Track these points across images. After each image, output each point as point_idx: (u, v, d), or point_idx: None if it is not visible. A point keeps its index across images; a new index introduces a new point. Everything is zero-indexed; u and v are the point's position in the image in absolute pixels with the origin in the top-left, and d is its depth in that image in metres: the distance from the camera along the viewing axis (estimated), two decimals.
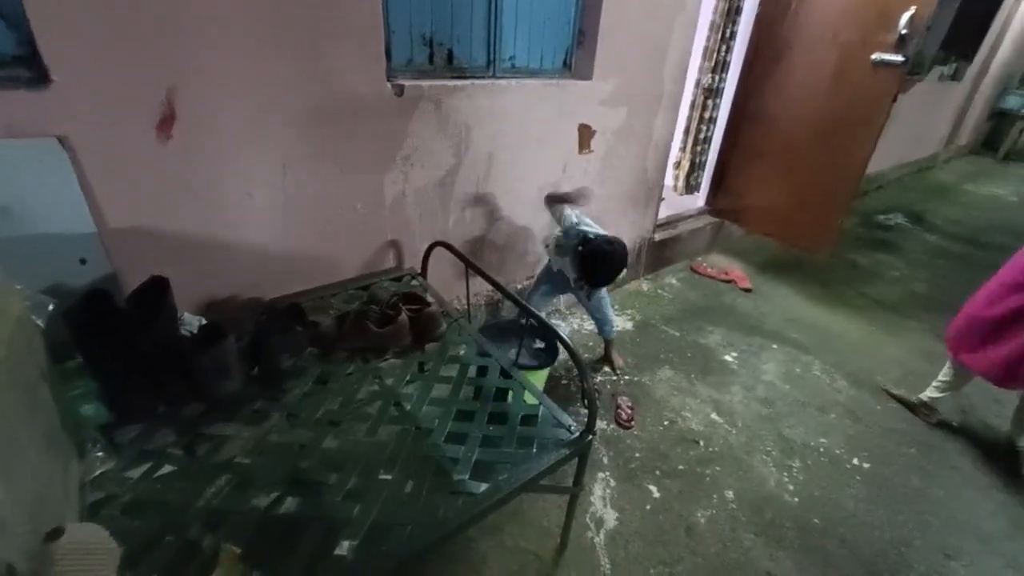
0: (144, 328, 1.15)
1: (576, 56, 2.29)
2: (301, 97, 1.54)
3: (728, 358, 2.61)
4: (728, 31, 3.17)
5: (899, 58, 2.47)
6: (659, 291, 3.20)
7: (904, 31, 2.42)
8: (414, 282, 1.91)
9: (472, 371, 1.52)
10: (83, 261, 1.32)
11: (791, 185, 3.10)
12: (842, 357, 2.68)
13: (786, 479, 1.94)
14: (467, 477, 1.18)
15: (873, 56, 2.55)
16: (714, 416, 2.21)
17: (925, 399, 2.26)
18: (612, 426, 2.10)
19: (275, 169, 1.58)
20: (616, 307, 2.87)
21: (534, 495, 1.69)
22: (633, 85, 2.48)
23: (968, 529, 1.80)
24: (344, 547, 1.00)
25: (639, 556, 1.62)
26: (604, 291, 2.25)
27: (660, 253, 3.34)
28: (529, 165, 2.28)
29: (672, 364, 2.52)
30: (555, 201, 2.14)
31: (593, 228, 1.94)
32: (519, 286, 2.59)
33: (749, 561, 1.63)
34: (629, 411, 2.14)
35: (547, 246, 2.19)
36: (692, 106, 3.48)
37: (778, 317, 3.02)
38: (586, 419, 1.32)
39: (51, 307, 1.10)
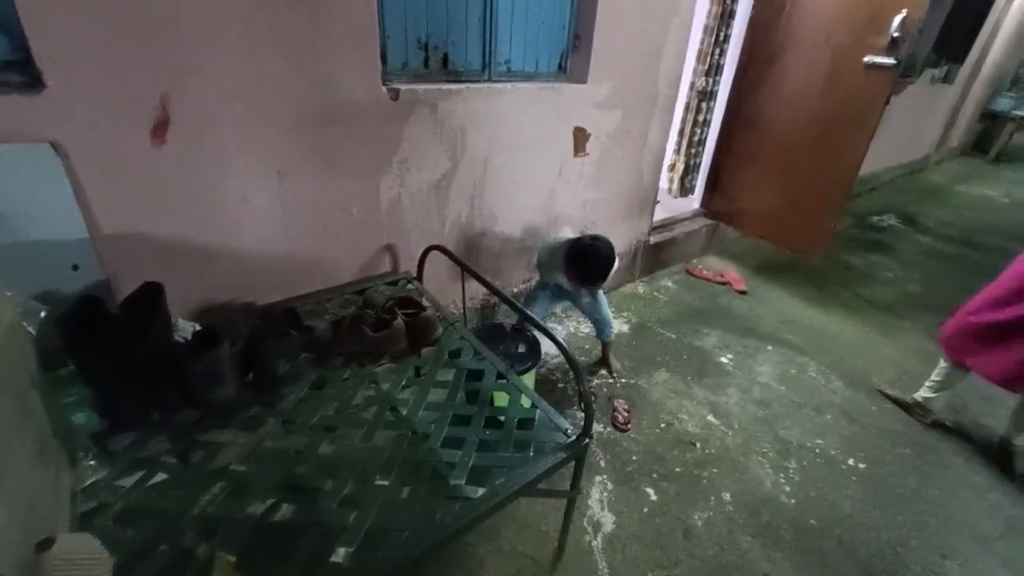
0: (137, 334, 1.14)
1: (571, 59, 2.30)
2: (296, 101, 1.54)
3: (724, 360, 2.61)
4: (722, 34, 3.18)
5: (891, 61, 2.49)
6: (655, 293, 3.21)
7: (896, 34, 2.44)
8: (410, 286, 1.91)
9: (468, 375, 1.52)
10: (75, 267, 1.30)
11: (785, 187, 3.12)
12: (837, 358, 2.69)
13: (782, 480, 1.94)
14: (464, 482, 1.18)
15: (865, 59, 2.57)
16: (710, 418, 2.22)
17: (919, 399, 2.27)
18: (609, 429, 2.10)
19: (270, 173, 1.58)
20: (612, 310, 2.87)
21: (531, 499, 1.68)
22: (628, 88, 2.49)
23: (964, 529, 1.81)
24: (340, 554, 0.99)
25: (637, 559, 1.62)
26: (601, 293, 2.25)
27: (656, 256, 3.35)
28: (525, 168, 2.28)
29: (668, 366, 2.53)
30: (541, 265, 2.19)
31: (571, 234, 1.95)
32: (515, 290, 2.59)
33: (747, 563, 1.63)
34: (626, 414, 2.14)
35: (538, 264, 2.21)
36: (686, 109, 3.49)
37: (773, 319, 3.03)
38: (583, 422, 1.32)
39: (43, 314, 1.09)
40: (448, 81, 1.93)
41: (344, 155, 1.71)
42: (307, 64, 1.51)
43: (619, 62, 2.37)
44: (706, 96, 3.39)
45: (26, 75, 1.16)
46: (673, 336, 2.78)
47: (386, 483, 1.15)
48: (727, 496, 1.85)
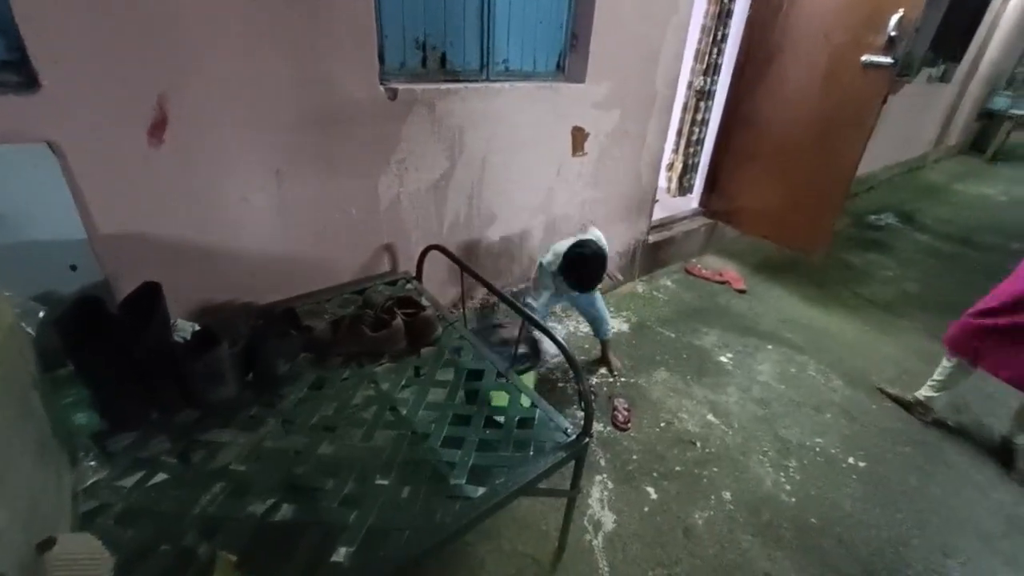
0: (136, 335, 1.14)
1: (569, 59, 2.30)
2: (295, 101, 1.53)
3: (723, 359, 2.61)
4: (720, 34, 3.19)
5: (888, 60, 2.50)
6: (654, 293, 3.21)
7: (893, 33, 2.44)
8: (409, 286, 1.91)
9: (468, 375, 1.52)
10: (74, 268, 1.30)
11: (784, 186, 3.12)
12: (837, 357, 2.70)
13: (783, 479, 1.94)
14: (464, 481, 1.18)
15: (863, 58, 2.57)
16: (710, 417, 2.22)
17: (921, 398, 2.27)
18: (609, 428, 2.10)
19: (269, 173, 1.58)
20: (611, 309, 2.88)
21: (531, 498, 1.68)
22: (626, 88, 2.49)
23: (966, 527, 1.81)
24: (341, 553, 0.99)
25: (637, 558, 1.62)
26: (597, 292, 2.25)
27: (655, 255, 3.35)
28: (523, 168, 2.28)
29: (668, 366, 2.53)
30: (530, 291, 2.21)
31: (562, 245, 1.97)
32: (514, 289, 2.59)
33: (747, 562, 1.63)
34: (626, 413, 2.14)
35: (537, 278, 2.21)
36: (684, 108, 3.49)
37: (773, 318, 3.03)
38: (583, 421, 1.32)
39: (41, 314, 1.09)
40: (446, 81, 1.93)
41: (343, 155, 1.71)
42: (305, 64, 1.51)
43: (617, 62, 2.37)
44: (704, 95, 3.39)
45: (22, 75, 1.15)
46: (672, 335, 2.78)
47: (386, 483, 1.15)
48: (727, 495, 1.85)
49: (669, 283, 3.35)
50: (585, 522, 1.71)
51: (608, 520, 1.72)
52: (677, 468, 1.95)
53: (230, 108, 1.43)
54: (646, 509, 1.77)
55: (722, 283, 3.37)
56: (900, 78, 4.53)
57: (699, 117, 3.48)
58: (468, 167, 2.08)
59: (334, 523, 1.05)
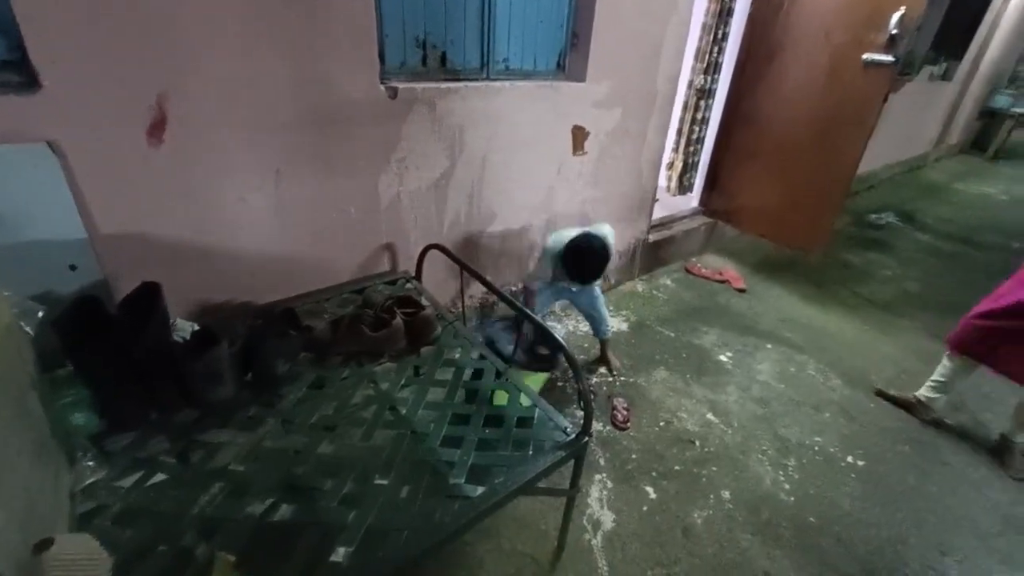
0: (136, 334, 1.14)
1: (570, 58, 2.30)
2: (294, 100, 1.53)
3: (723, 358, 2.61)
4: (720, 32, 3.18)
5: (889, 58, 2.49)
6: (654, 292, 3.21)
7: (894, 31, 2.44)
8: (409, 285, 1.91)
9: (467, 374, 1.52)
10: (73, 267, 1.30)
11: (784, 185, 3.12)
12: (836, 356, 2.70)
13: (782, 478, 1.94)
14: (463, 481, 1.18)
15: (864, 56, 2.57)
16: (710, 416, 2.22)
17: (921, 398, 2.26)
18: (608, 427, 2.10)
19: (268, 173, 1.58)
20: (611, 308, 2.88)
21: (531, 498, 1.68)
22: (626, 86, 2.49)
23: (963, 525, 1.81)
24: (340, 553, 0.99)
25: (636, 557, 1.62)
26: (598, 290, 2.25)
27: (654, 254, 3.35)
28: (523, 167, 2.28)
29: (667, 365, 2.53)
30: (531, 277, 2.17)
31: (566, 233, 1.96)
32: (514, 288, 2.59)
33: (746, 561, 1.64)
34: (625, 412, 2.14)
35: (540, 261, 2.22)
36: (685, 107, 3.49)
37: (772, 317, 3.03)
38: (582, 421, 1.32)
39: (40, 314, 1.09)
40: (446, 80, 1.93)
41: (342, 154, 1.71)
42: (305, 63, 1.51)
43: (617, 60, 2.37)
44: (705, 94, 3.38)
45: (22, 75, 1.15)
46: (672, 334, 2.78)
47: (385, 482, 1.15)
48: (726, 494, 1.86)
49: (669, 282, 3.35)
50: (584, 521, 1.71)
51: (607, 519, 1.73)
52: (676, 467, 1.95)
53: (229, 108, 1.43)
54: (645, 508, 1.78)
55: (722, 282, 3.37)
56: (901, 76, 4.52)
57: (699, 116, 3.47)
58: (468, 166, 2.08)
59: (333, 523, 1.05)
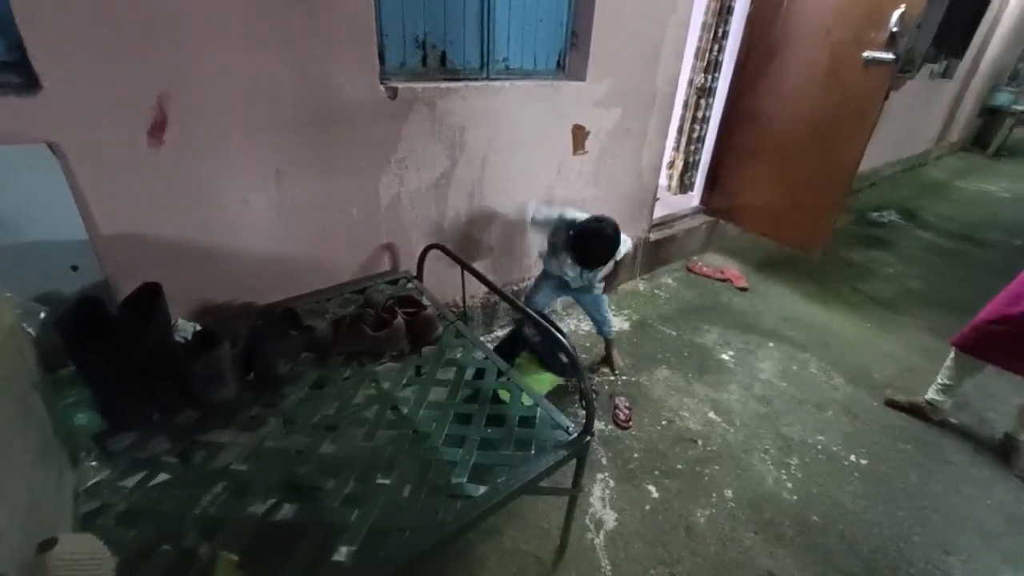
0: (137, 335, 1.14)
1: (569, 57, 2.30)
2: (295, 101, 1.53)
3: (725, 357, 2.61)
4: (720, 31, 3.18)
5: (890, 56, 2.49)
6: (655, 291, 3.20)
7: (895, 29, 2.43)
8: (410, 285, 1.91)
9: (469, 374, 1.52)
10: (74, 268, 1.30)
11: (785, 183, 3.12)
12: (838, 354, 2.69)
13: (784, 477, 1.94)
14: (465, 480, 1.18)
15: (864, 54, 2.56)
16: (712, 415, 2.21)
17: (931, 401, 2.23)
18: (610, 427, 2.10)
19: (269, 174, 1.58)
20: (613, 308, 2.87)
21: (533, 497, 1.68)
22: (627, 85, 2.49)
23: (967, 525, 1.81)
24: (342, 553, 0.99)
25: (639, 556, 1.62)
26: (601, 290, 2.24)
27: (656, 253, 3.34)
28: (523, 166, 2.28)
29: (669, 364, 2.52)
30: (536, 222, 2.12)
31: (579, 214, 1.95)
32: (515, 287, 2.58)
33: (749, 560, 1.63)
34: (627, 411, 2.14)
35: (541, 254, 2.20)
36: (685, 106, 3.48)
37: (774, 315, 3.03)
38: (584, 420, 1.32)
39: (42, 315, 1.09)
40: (446, 79, 1.93)
41: (343, 155, 1.71)
42: (305, 64, 1.51)
43: (617, 59, 2.36)
44: (705, 93, 3.38)
45: (22, 76, 1.15)
46: (674, 333, 2.77)
47: (387, 482, 1.15)
48: (729, 493, 1.85)
49: (670, 281, 3.34)
50: (587, 520, 1.71)
51: (610, 518, 1.73)
52: (678, 466, 1.95)
53: (230, 108, 1.43)
54: (648, 507, 1.77)
55: (723, 281, 3.36)
56: (902, 74, 4.50)
57: (700, 115, 3.47)
58: (469, 166, 2.08)
59: (335, 523, 1.05)
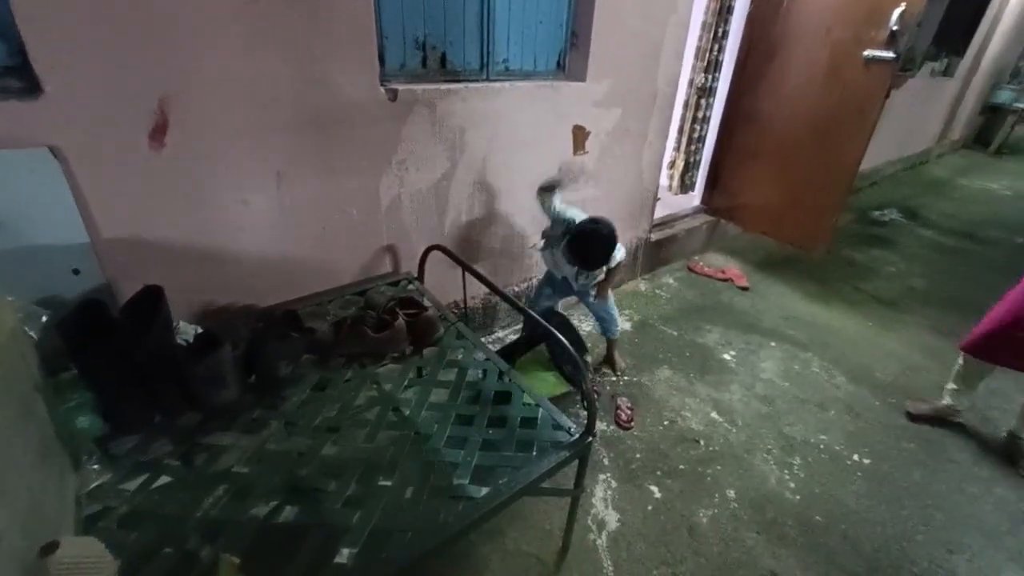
0: (138, 338, 1.14)
1: (569, 57, 2.30)
2: (295, 103, 1.53)
3: (727, 357, 2.61)
4: (720, 30, 3.18)
5: (890, 54, 2.48)
6: (656, 291, 3.20)
7: (895, 27, 2.43)
8: (411, 286, 1.91)
9: (471, 375, 1.51)
10: (76, 272, 1.31)
11: (786, 183, 3.11)
12: (840, 353, 2.69)
13: (787, 477, 1.93)
14: (467, 481, 1.18)
15: (865, 53, 2.56)
16: (714, 415, 2.21)
17: (951, 405, 2.21)
18: (612, 427, 2.10)
19: (270, 176, 1.58)
20: None
21: (535, 498, 1.68)
22: (627, 86, 2.48)
23: (970, 523, 1.80)
24: (344, 555, 0.99)
25: (642, 557, 1.61)
26: (609, 290, 2.23)
27: (657, 253, 3.34)
28: (524, 167, 2.28)
29: (671, 364, 2.52)
30: (545, 191, 2.08)
31: (579, 215, 1.95)
32: (516, 288, 2.58)
33: (752, 560, 1.63)
34: (629, 412, 2.13)
35: (536, 247, 2.19)
36: (686, 106, 3.48)
37: (775, 315, 3.02)
38: (586, 421, 1.32)
39: (44, 319, 1.09)
40: (446, 81, 1.93)
41: (343, 156, 1.71)
42: (305, 65, 1.51)
43: (617, 60, 2.36)
44: (705, 92, 3.38)
45: (24, 80, 1.16)
46: (675, 333, 2.77)
47: (389, 483, 1.15)
48: (731, 493, 1.85)
49: (671, 281, 3.34)
50: (589, 521, 1.70)
51: (612, 519, 1.72)
52: (681, 466, 1.94)
53: (231, 111, 1.43)
54: (650, 508, 1.77)
55: (725, 280, 3.36)
56: (902, 73, 4.49)
57: (700, 114, 3.47)
58: (469, 167, 2.08)
59: (337, 524, 1.05)
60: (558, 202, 2.02)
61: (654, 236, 3.23)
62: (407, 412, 1.36)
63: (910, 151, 6.34)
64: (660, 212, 3.31)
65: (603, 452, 1.97)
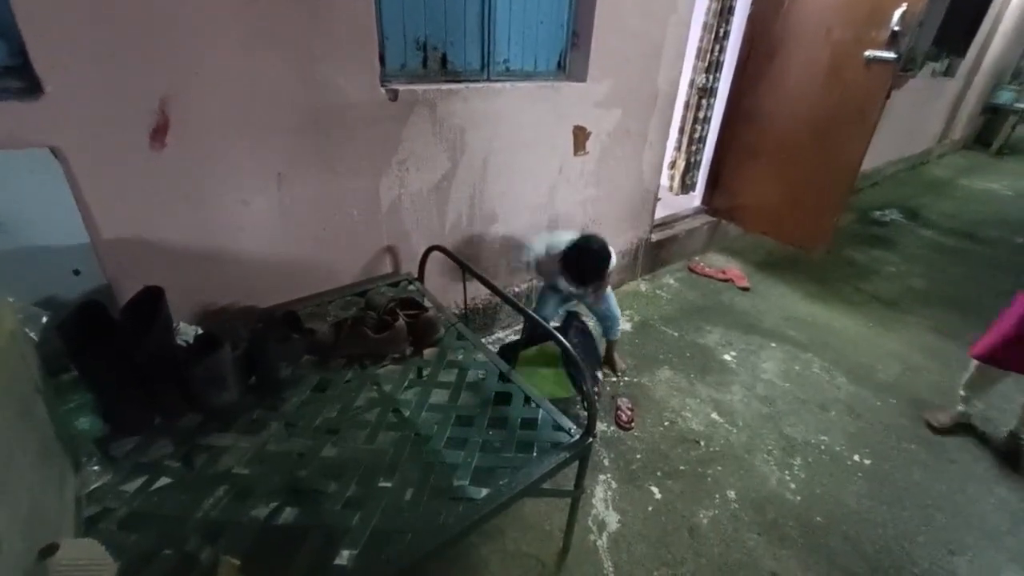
0: (139, 339, 1.14)
1: (570, 58, 2.29)
2: (295, 103, 1.53)
3: (727, 357, 2.60)
4: (721, 31, 3.18)
5: (891, 55, 2.48)
6: (657, 291, 3.20)
7: (896, 27, 2.43)
8: (411, 287, 1.91)
9: (471, 376, 1.51)
10: (76, 272, 1.31)
11: (786, 183, 3.11)
12: (841, 354, 2.68)
13: (788, 478, 1.93)
14: (467, 483, 1.17)
15: (866, 53, 2.56)
16: (714, 416, 2.21)
17: (965, 412, 2.20)
18: (612, 428, 2.09)
19: (271, 176, 1.58)
20: None
21: (535, 499, 1.68)
22: (627, 86, 2.48)
23: (972, 524, 1.80)
24: (344, 556, 0.99)
25: (642, 558, 1.61)
26: (609, 290, 2.23)
27: (657, 253, 3.34)
28: (525, 167, 2.28)
29: (671, 364, 2.52)
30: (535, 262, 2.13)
31: (564, 237, 1.95)
32: (516, 289, 2.58)
33: (753, 561, 1.63)
34: (629, 412, 2.13)
35: (528, 264, 2.19)
36: (686, 106, 3.48)
37: (776, 315, 3.02)
38: (586, 421, 1.31)
39: (44, 319, 1.09)
40: (447, 81, 1.93)
41: (343, 157, 1.71)
42: (306, 66, 1.51)
43: (618, 60, 2.36)
44: (706, 93, 3.38)
45: (25, 81, 1.16)
46: (676, 334, 2.77)
47: (389, 485, 1.15)
48: (732, 494, 1.85)
49: (672, 281, 3.34)
50: (589, 522, 1.70)
51: (612, 520, 1.72)
52: (681, 467, 1.94)
53: (231, 111, 1.43)
54: (650, 509, 1.77)
55: (725, 281, 3.36)
56: (903, 73, 4.48)
57: (701, 115, 3.47)
58: (470, 167, 2.08)
59: (337, 526, 1.05)
60: (540, 246, 2.03)
61: (655, 236, 3.23)
62: (407, 413, 1.36)
63: (911, 151, 6.34)
64: (661, 212, 3.31)
65: (603, 453, 1.97)
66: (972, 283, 3.59)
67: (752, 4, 3.01)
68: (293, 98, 1.52)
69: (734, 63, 3.20)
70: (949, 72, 5.76)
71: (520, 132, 2.17)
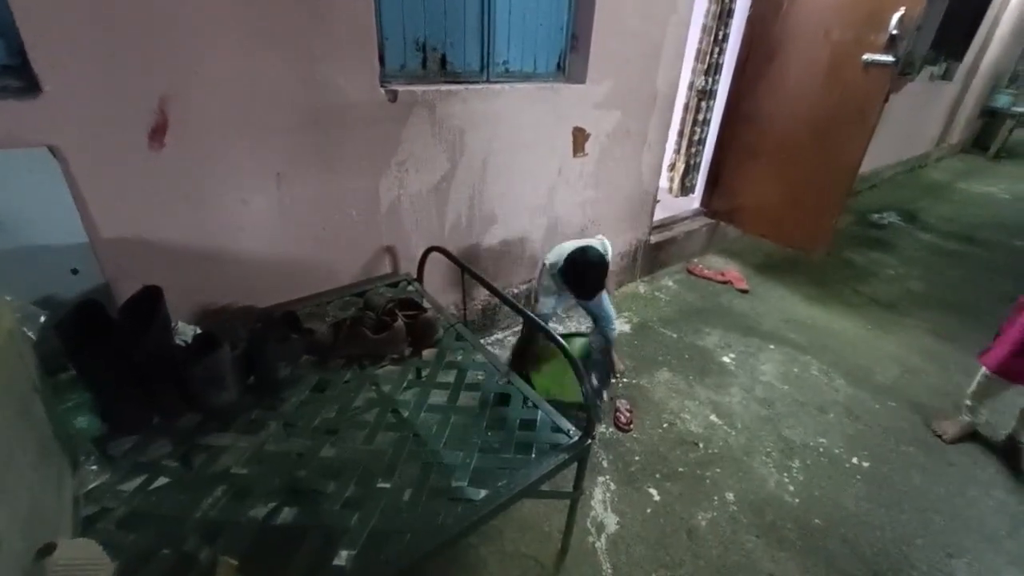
0: (137, 338, 1.13)
1: (570, 59, 2.30)
2: (295, 103, 1.53)
3: (726, 359, 2.61)
4: (720, 33, 3.18)
5: (889, 58, 2.49)
6: (656, 293, 3.20)
7: (894, 31, 2.44)
8: (410, 288, 1.90)
9: (470, 376, 1.51)
10: (75, 271, 1.30)
11: (785, 185, 3.12)
12: (839, 356, 2.69)
13: (786, 480, 1.93)
14: (466, 484, 1.17)
15: (864, 56, 2.57)
16: (713, 418, 2.21)
17: (971, 420, 2.20)
18: (611, 429, 2.09)
19: (270, 176, 1.58)
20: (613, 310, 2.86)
21: (534, 500, 1.68)
22: (627, 88, 2.49)
23: (970, 527, 1.80)
24: (342, 557, 0.99)
25: (641, 560, 1.61)
26: (604, 291, 2.23)
27: (656, 255, 3.34)
28: (524, 169, 2.28)
29: (670, 366, 2.52)
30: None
31: (567, 246, 1.94)
32: (515, 290, 2.58)
33: (751, 563, 1.63)
34: (628, 414, 2.13)
35: (537, 291, 2.18)
36: (686, 108, 3.49)
37: (775, 317, 3.02)
38: (585, 423, 1.31)
39: (43, 319, 1.09)
40: (446, 82, 1.93)
41: (343, 157, 1.71)
42: (305, 66, 1.51)
43: (617, 62, 2.37)
44: (706, 95, 3.39)
45: (23, 80, 1.16)
46: (675, 336, 2.77)
47: (388, 485, 1.14)
48: (731, 496, 1.85)
49: (671, 283, 3.34)
50: (588, 524, 1.70)
51: (611, 522, 1.72)
52: (680, 469, 1.94)
53: (231, 111, 1.43)
54: (649, 510, 1.77)
55: (724, 283, 3.36)
56: (902, 76, 4.49)
57: (701, 117, 3.47)
58: (469, 168, 2.08)
59: (336, 526, 1.04)
60: (541, 271, 2.02)
61: (654, 238, 3.23)
62: (406, 414, 1.36)
63: (909, 154, 6.36)
64: (660, 214, 3.32)
65: (602, 454, 1.97)
66: (970, 286, 3.60)
67: (751, 6, 3.02)
68: (293, 98, 1.52)
69: (733, 65, 3.21)
70: (947, 76, 5.78)
71: (519, 133, 2.17)
